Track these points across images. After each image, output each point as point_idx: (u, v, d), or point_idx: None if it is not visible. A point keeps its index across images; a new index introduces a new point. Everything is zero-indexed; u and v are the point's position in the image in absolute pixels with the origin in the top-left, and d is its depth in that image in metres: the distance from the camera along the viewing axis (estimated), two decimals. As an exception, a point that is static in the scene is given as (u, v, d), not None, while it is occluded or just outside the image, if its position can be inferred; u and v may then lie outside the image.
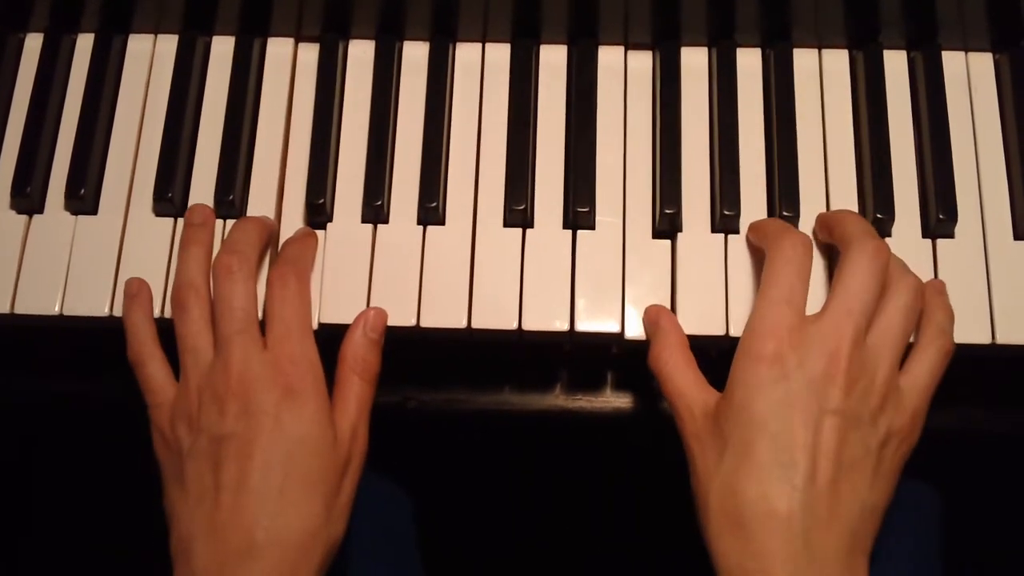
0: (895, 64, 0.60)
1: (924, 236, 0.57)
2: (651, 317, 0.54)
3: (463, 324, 0.55)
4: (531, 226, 0.57)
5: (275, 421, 0.49)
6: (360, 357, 0.53)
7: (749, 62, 0.60)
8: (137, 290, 0.55)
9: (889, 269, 0.51)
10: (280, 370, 0.50)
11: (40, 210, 0.58)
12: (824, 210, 0.57)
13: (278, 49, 0.61)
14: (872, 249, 0.50)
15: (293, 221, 0.58)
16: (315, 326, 0.55)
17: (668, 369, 0.52)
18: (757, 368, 0.48)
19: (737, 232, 0.56)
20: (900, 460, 0.49)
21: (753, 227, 0.56)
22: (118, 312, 0.56)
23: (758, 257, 0.56)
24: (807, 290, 0.50)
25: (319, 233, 0.57)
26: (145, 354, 0.53)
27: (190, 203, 0.58)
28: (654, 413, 0.60)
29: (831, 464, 0.46)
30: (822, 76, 0.60)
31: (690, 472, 0.50)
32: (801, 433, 0.46)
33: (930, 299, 0.52)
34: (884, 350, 0.49)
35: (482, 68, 0.61)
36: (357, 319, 0.54)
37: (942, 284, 0.54)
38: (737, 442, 0.47)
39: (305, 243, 0.56)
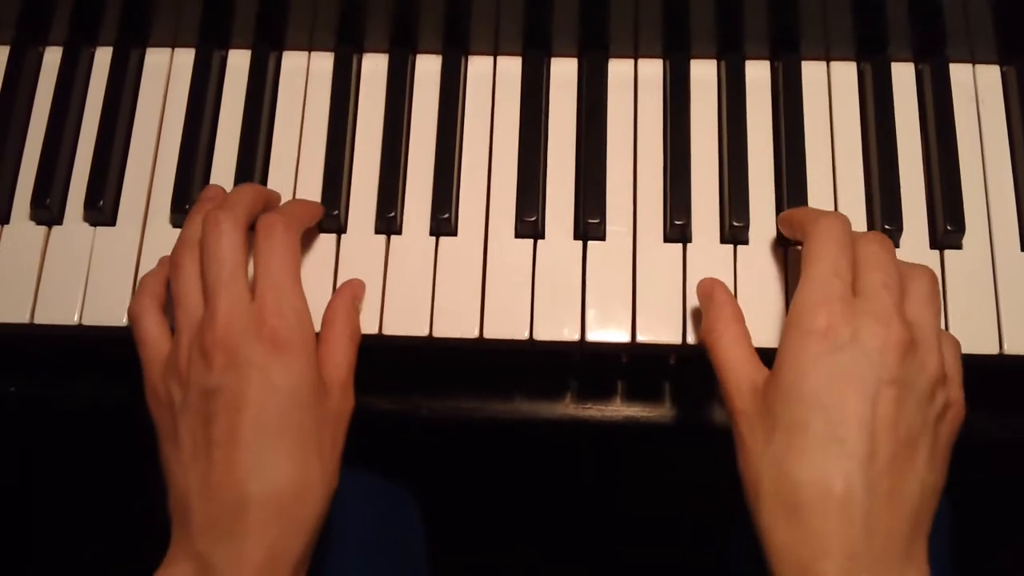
0: (903, 76, 0.61)
1: (932, 247, 0.57)
2: (705, 290, 0.53)
3: (475, 334, 0.56)
4: (542, 237, 0.58)
5: (263, 373, 0.47)
6: (351, 321, 0.53)
7: (758, 74, 0.61)
8: (162, 261, 0.56)
9: (897, 261, 0.50)
10: (265, 321, 0.48)
11: (59, 221, 0.59)
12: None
13: (293, 62, 0.62)
14: (876, 235, 0.50)
15: (307, 232, 0.58)
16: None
17: (720, 343, 0.50)
18: (807, 342, 0.46)
19: (746, 243, 0.57)
20: (952, 438, 0.47)
21: (783, 218, 0.55)
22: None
23: (767, 268, 0.56)
24: (851, 263, 0.48)
25: (330, 240, 0.58)
26: (143, 307, 0.53)
27: (206, 214, 0.59)
28: (664, 422, 0.60)
29: (890, 438, 0.44)
30: (830, 88, 0.61)
31: (737, 453, 0.48)
32: (857, 406, 0.44)
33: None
34: (927, 323, 0.47)
35: (494, 80, 0.62)
36: (343, 286, 0.55)
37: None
38: (788, 420, 0.45)
39: (303, 203, 0.56)
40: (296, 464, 0.47)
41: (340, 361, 0.52)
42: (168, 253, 0.55)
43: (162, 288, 0.54)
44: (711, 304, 0.52)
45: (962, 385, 0.49)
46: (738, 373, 0.49)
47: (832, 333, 0.45)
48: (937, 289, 0.49)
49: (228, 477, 0.46)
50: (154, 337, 0.52)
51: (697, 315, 0.55)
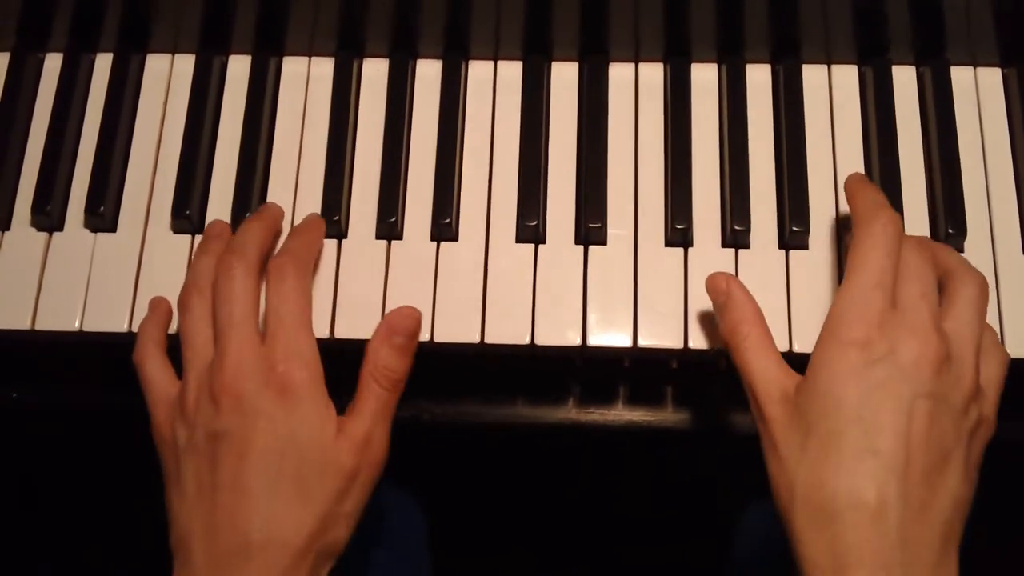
0: (904, 79, 0.61)
1: (934, 250, 0.57)
2: (719, 286, 0.52)
3: (476, 339, 0.55)
4: (543, 241, 0.58)
5: (269, 422, 0.48)
6: (381, 364, 0.51)
7: (759, 78, 0.61)
8: (156, 304, 0.56)
9: (947, 259, 0.50)
10: (274, 368, 0.49)
11: (60, 228, 0.59)
12: (834, 227, 0.57)
13: (294, 68, 0.62)
14: (917, 240, 0.49)
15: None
16: (327, 335, 0.55)
17: (746, 345, 0.49)
18: (845, 354, 0.46)
19: (748, 247, 0.57)
20: (981, 451, 0.47)
21: (849, 186, 0.52)
22: (135, 328, 0.56)
23: (768, 272, 0.56)
24: (896, 272, 0.48)
25: (331, 245, 0.57)
26: (144, 354, 0.53)
27: (207, 220, 0.59)
28: (666, 426, 0.60)
29: (924, 451, 0.44)
30: (831, 91, 0.61)
31: (768, 459, 0.47)
32: (892, 419, 0.44)
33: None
34: (965, 337, 0.47)
35: (494, 85, 0.62)
36: (383, 322, 0.52)
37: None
38: (823, 430, 0.45)
39: (309, 235, 0.55)
40: (293, 515, 0.47)
41: (364, 414, 0.50)
42: (168, 259, 0.57)
43: (161, 332, 0.55)
44: (731, 303, 0.51)
45: (997, 401, 0.49)
46: (768, 379, 0.48)
47: (869, 346, 0.45)
48: (984, 298, 0.49)
49: (231, 522, 0.47)
50: (158, 379, 0.53)
51: (700, 319, 0.55)
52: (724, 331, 0.51)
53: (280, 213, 0.57)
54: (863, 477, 0.44)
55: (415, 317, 0.52)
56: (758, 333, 0.50)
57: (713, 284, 0.53)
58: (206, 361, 0.51)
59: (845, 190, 0.53)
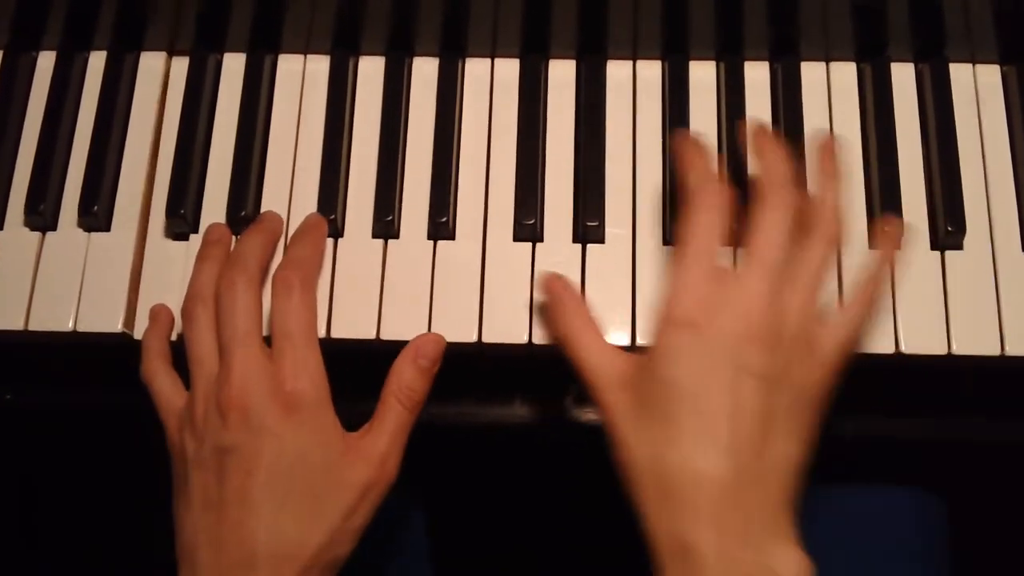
0: (903, 77, 0.61)
1: (933, 248, 0.57)
2: (545, 285, 0.53)
3: (474, 338, 0.55)
4: (541, 240, 0.57)
5: (276, 439, 0.49)
6: (404, 384, 0.52)
7: (757, 75, 0.61)
8: (156, 314, 0.56)
9: (810, 217, 0.50)
10: (282, 385, 0.50)
11: (53, 227, 0.59)
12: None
13: (289, 66, 0.62)
14: (779, 202, 0.49)
15: (304, 236, 0.58)
16: (323, 335, 0.55)
17: (574, 336, 0.50)
18: (673, 333, 0.47)
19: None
20: (817, 410, 0.49)
21: (676, 152, 0.53)
22: (129, 328, 0.56)
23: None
24: (724, 240, 0.49)
25: (327, 244, 0.57)
26: (152, 370, 0.54)
27: (202, 219, 0.58)
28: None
29: (753, 424, 0.46)
30: (830, 89, 0.61)
31: (611, 444, 0.49)
32: (721, 397, 0.46)
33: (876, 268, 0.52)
34: (798, 304, 0.48)
35: (491, 83, 0.61)
36: (410, 344, 0.53)
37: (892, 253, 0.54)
38: (660, 411, 0.47)
39: (312, 241, 0.56)
40: (301, 530, 0.48)
41: (383, 433, 0.51)
42: (162, 259, 0.57)
43: (164, 343, 0.55)
44: (553, 299, 0.52)
45: (834, 356, 0.49)
46: (604, 368, 0.49)
47: (695, 325, 0.47)
48: (831, 256, 0.50)
49: (237, 536, 0.48)
50: (167, 392, 0.53)
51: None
52: (552, 329, 0.52)
53: (280, 222, 0.57)
54: (698, 454, 0.46)
55: (440, 344, 0.53)
56: (580, 324, 0.51)
57: (541, 284, 0.54)
58: (212, 373, 0.51)
59: (674, 157, 0.53)
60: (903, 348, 0.55)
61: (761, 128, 0.54)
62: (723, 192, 0.50)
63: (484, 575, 0.95)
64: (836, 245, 0.51)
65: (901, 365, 0.55)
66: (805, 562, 0.45)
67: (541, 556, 0.96)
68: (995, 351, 0.55)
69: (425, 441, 0.63)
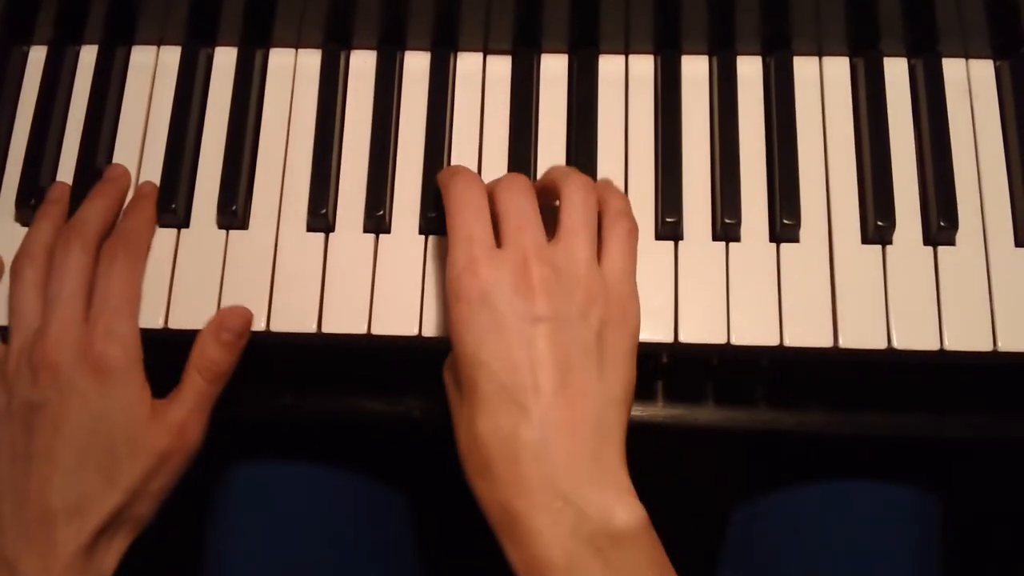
0: (896, 71, 0.60)
1: (925, 243, 0.57)
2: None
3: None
4: (534, 235, 0.57)
5: (81, 396, 0.50)
6: (206, 355, 0.53)
7: (750, 70, 0.61)
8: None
9: (553, 177, 0.52)
10: (92, 345, 0.51)
11: (44, 221, 0.58)
12: (826, 220, 0.57)
13: (280, 60, 0.62)
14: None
15: (295, 230, 0.58)
16: (313, 330, 0.55)
17: None
18: (459, 307, 0.48)
19: (738, 240, 0.57)
20: (624, 346, 0.49)
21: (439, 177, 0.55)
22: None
23: (759, 265, 0.56)
24: (488, 222, 0.50)
25: (318, 239, 0.57)
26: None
27: (193, 214, 0.58)
28: (656, 421, 0.60)
29: (552, 370, 0.46)
30: (823, 84, 0.60)
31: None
32: (515, 352, 0.46)
33: (602, 192, 0.53)
34: (572, 244, 0.49)
35: (483, 77, 0.61)
36: (214, 317, 0.54)
37: (609, 180, 0.55)
38: (465, 384, 0.48)
39: (142, 211, 0.57)
40: (97, 489, 0.50)
41: (183, 402, 0.53)
42: (152, 253, 0.57)
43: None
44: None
45: (626, 283, 0.50)
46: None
47: (475, 293, 0.47)
48: (590, 198, 0.51)
49: (39, 490, 0.50)
50: None
51: (690, 313, 0.55)
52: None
53: (126, 183, 0.58)
54: (500, 415, 0.46)
55: (246, 316, 0.54)
56: None
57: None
58: (31, 329, 0.53)
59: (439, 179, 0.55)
60: (895, 344, 0.54)
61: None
62: (474, 178, 0.52)
63: (472, 572, 0.94)
64: (591, 190, 0.52)
65: (894, 361, 0.55)
66: (637, 510, 0.45)
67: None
68: (987, 347, 0.54)
69: (418, 439, 0.63)
